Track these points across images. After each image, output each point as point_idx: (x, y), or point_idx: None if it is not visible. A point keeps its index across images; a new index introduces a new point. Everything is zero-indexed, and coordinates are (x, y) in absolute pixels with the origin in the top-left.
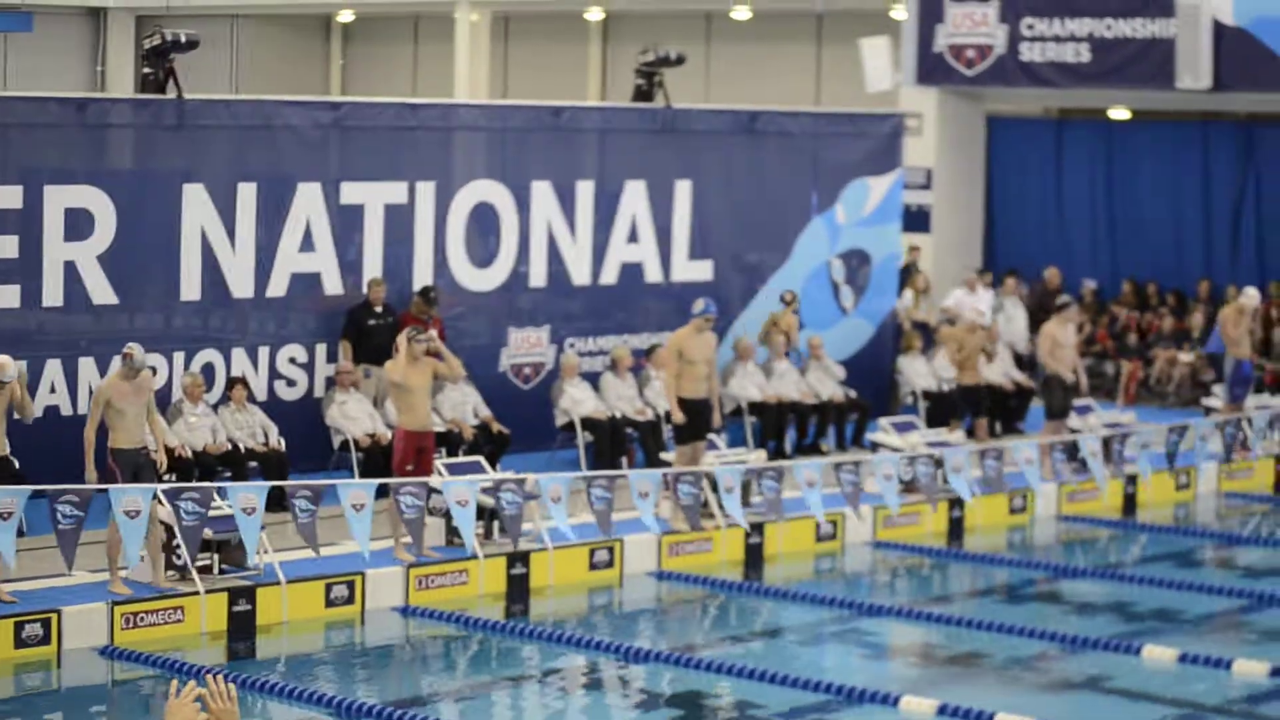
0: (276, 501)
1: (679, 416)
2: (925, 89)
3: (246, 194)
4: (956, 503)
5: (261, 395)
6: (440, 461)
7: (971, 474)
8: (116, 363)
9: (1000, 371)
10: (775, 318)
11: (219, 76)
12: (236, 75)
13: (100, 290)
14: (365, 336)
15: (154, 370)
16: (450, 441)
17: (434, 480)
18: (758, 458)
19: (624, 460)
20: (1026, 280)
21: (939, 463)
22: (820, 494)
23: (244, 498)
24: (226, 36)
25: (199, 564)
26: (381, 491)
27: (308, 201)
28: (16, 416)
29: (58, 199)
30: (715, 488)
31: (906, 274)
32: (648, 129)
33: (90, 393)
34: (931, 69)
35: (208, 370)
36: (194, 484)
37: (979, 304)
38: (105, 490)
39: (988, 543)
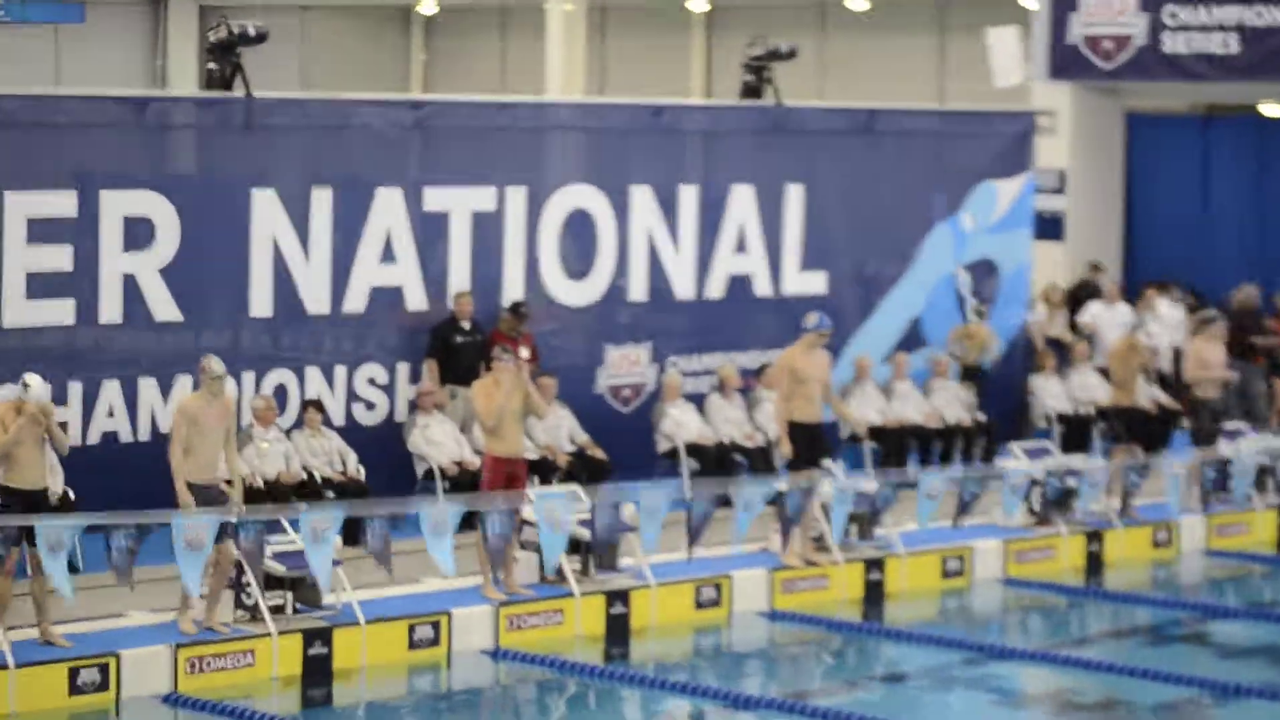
0: (354, 535)
1: (786, 449)
2: (1059, 84)
3: (321, 200)
4: (1094, 535)
5: (339, 419)
6: (533, 490)
7: (1111, 503)
8: (181, 386)
9: (1144, 393)
10: (968, 330)
11: (289, 73)
12: (308, 71)
13: (162, 306)
14: (451, 355)
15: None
16: (544, 469)
17: (523, 505)
18: (877, 486)
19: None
20: (1199, 295)
21: (1069, 492)
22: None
23: (316, 520)
24: (296, 29)
25: (271, 603)
26: (468, 522)
27: (388, 209)
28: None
29: (115, 206)
30: (829, 516)
31: (1087, 290)
32: (756, 129)
33: (152, 417)
34: (1066, 62)
35: (280, 392)
36: (263, 512)
37: (1119, 318)
38: (168, 524)
39: (1129, 579)
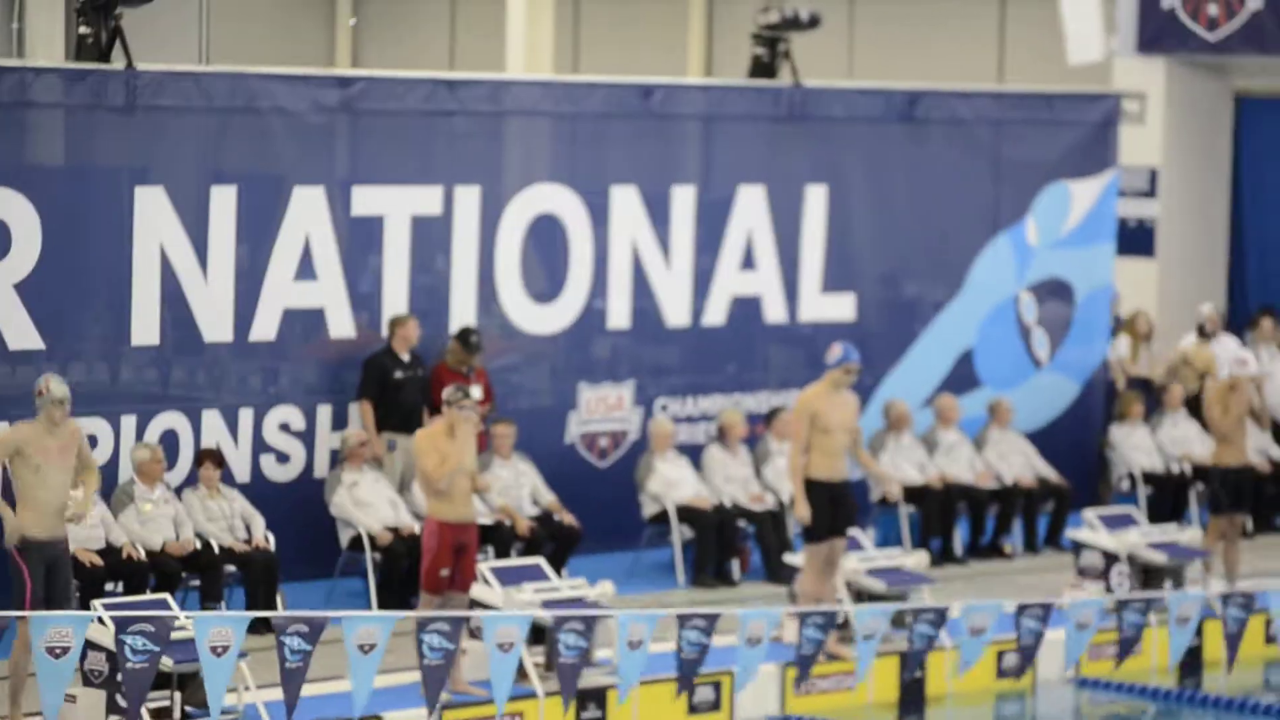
0: (262, 618)
1: (804, 512)
2: (1149, 59)
3: (223, 201)
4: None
5: (243, 475)
6: (486, 565)
7: (1212, 585)
8: None
9: (1253, 447)
10: (1186, 354)
11: (184, 41)
12: (207, 41)
13: (19, 330)
14: (387, 395)
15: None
16: (500, 538)
17: (472, 610)
18: (917, 562)
19: (735, 564)
20: None
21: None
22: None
23: (216, 634)
24: None
25: (153, 704)
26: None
27: (307, 212)
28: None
29: None
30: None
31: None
32: (769, 115)
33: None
34: (1159, 32)
35: (169, 440)
36: (143, 605)
37: (1224, 353)
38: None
39: (1235, 682)
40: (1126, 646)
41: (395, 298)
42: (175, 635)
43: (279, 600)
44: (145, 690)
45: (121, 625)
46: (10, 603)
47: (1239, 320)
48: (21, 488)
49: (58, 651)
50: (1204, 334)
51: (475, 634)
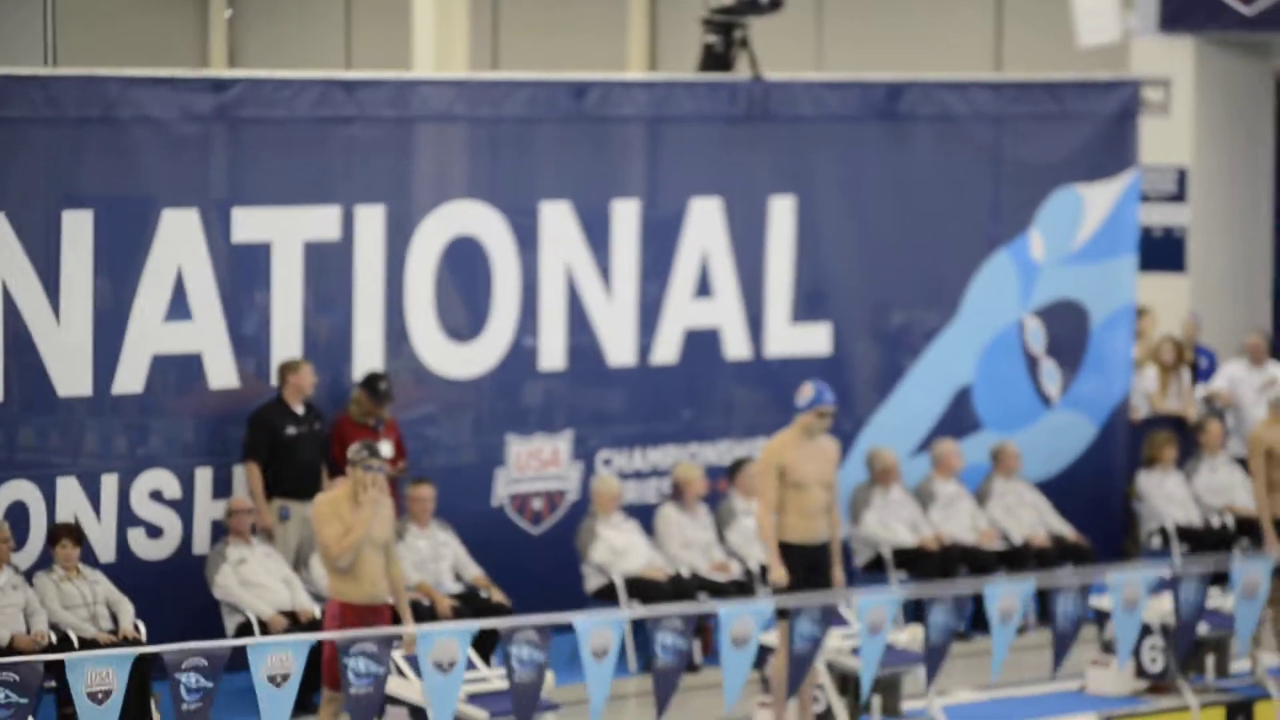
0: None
1: (780, 575)
2: (1174, 39)
3: (76, 228)
4: (1239, 708)
5: (106, 554)
6: (399, 654)
7: (1263, 659)
8: None
9: None
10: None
11: (29, 39)
12: (54, 39)
13: None
14: (279, 455)
15: None
16: (418, 619)
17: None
18: (911, 636)
19: (696, 646)
20: None
21: (1200, 643)
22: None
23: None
24: None
25: None
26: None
27: (179, 240)
28: None
29: None
30: (846, 690)
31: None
32: (724, 115)
33: None
34: (1185, 7)
35: (16, 515)
36: None
37: (1269, 384)
38: None
39: None
40: None
41: (286, 340)
42: None
43: (152, 704)
44: None
45: None
46: None
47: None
48: None
49: None
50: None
51: (395, 701)
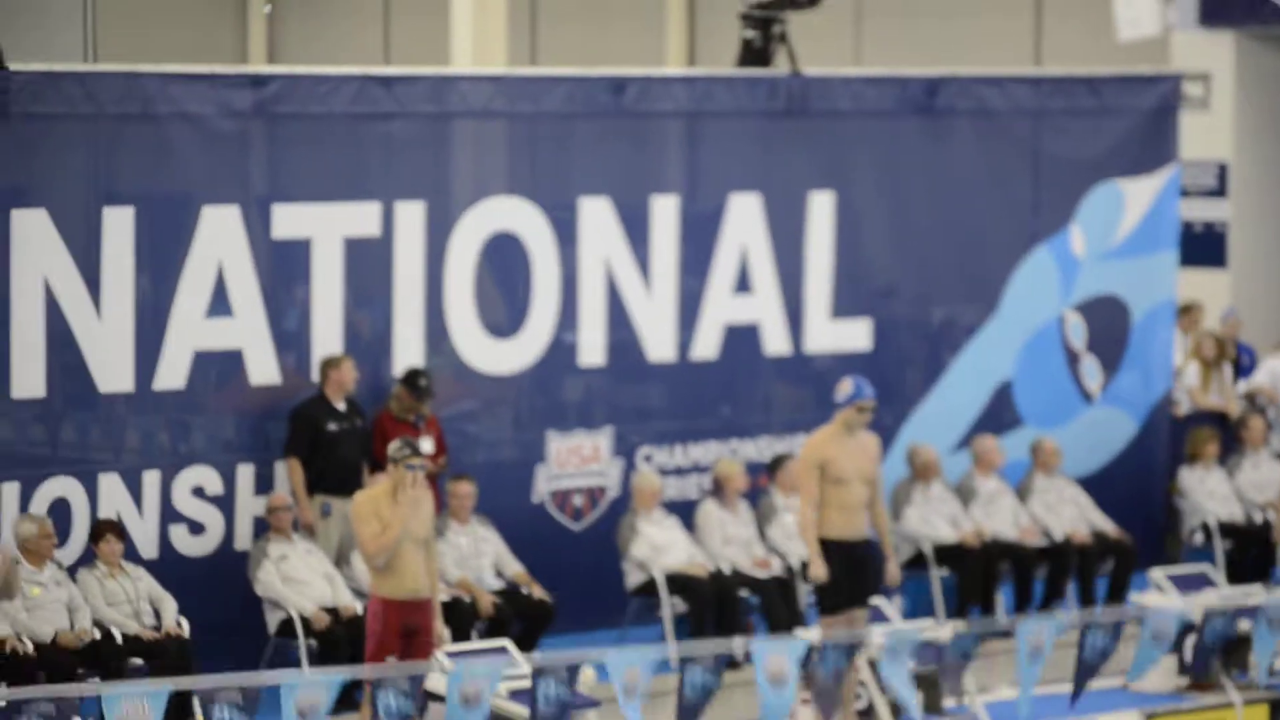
0: (179, 710)
1: (820, 571)
2: (1215, 33)
3: (118, 225)
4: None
5: (149, 550)
6: (443, 651)
7: None
8: None
9: None
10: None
11: (69, 36)
12: (93, 35)
13: None
14: (319, 451)
15: None
16: (459, 616)
17: (430, 673)
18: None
19: (738, 642)
20: None
21: (1242, 640)
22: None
23: (130, 708)
24: None
25: None
26: (346, 700)
27: (219, 236)
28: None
29: None
30: (880, 679)
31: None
32: (763, 111)
33: None
34: (1224, 1)
35: (59, 511)
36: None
37: None
38: None
39: None
40: None
41: (327, 336)
42: None
43: (194, 702)
44: None
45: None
46: None
47: None
48: None
49: None
50: None
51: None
